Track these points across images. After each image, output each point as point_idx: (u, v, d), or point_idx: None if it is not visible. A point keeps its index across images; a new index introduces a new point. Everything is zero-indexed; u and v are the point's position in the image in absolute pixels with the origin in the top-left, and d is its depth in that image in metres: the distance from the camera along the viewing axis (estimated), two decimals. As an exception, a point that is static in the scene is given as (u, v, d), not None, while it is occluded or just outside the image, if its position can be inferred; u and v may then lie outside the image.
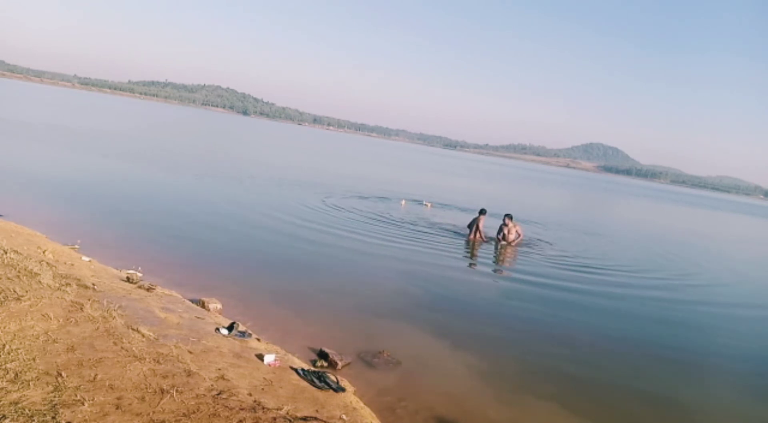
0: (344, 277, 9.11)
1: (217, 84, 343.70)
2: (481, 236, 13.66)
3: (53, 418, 3.26)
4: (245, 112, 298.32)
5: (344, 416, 4.12)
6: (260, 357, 4.85)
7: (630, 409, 5.70)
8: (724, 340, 8.71)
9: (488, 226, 13.97)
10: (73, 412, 3.36)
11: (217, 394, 3.93)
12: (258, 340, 5.49)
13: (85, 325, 4.71)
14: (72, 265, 6.69)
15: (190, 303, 6.34)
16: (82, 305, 5.11)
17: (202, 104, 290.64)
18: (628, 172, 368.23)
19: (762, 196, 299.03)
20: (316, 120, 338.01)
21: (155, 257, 8.44)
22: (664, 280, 12.67)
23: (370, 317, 7.33)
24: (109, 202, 12.54)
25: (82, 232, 8.82)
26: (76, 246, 8.04)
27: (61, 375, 3.76)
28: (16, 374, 3.65)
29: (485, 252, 12.94)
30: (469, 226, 13.95)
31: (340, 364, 5.45)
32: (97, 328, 4.68)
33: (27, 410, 3.27)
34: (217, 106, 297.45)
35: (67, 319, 4.73)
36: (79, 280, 5.90)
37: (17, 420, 3.17)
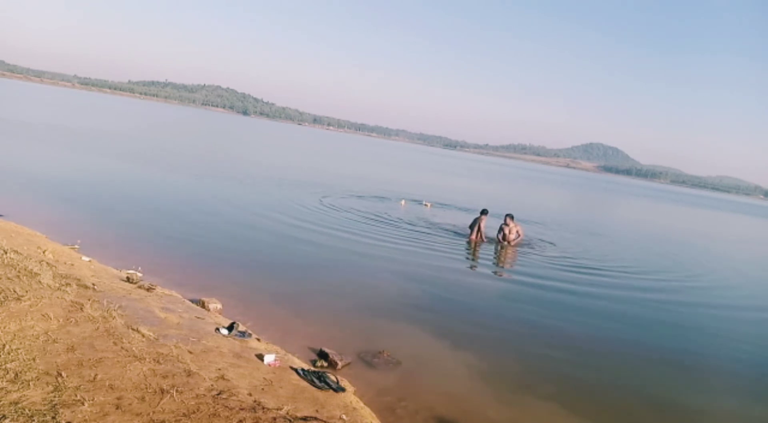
0: (344, 278, 9.11)
1: (217, 84, 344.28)
2: (481, 237, 13.65)
3: (53, 418, 3.25)
4: (245, 112, 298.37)
5: (344, 416, 4.12)
6: (260, 357, 4.85)
7: (630, 409, 5.70)
8: (724, 341, 8.71)
9: (488, 226, 13.97)
10: (73, 412, 3.36)
11: (217, 394, 3.93)
12: (258, 340, 5.49)
13: (85, 325, 4.71)
14: (72, 265, 6.69)
15: (190, 303, 6.34)
16: (82, 305, 5.11)
17: (202, 104, 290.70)
18: (628, 172, 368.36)
19: (762, 196, 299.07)
20: (316, 120, 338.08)
21: (155, 257, 8.44)
22: (664, 281, 12.65)
23: (370, 317, 7.33)
24: (109, 202, 12.54)
25: (82, 232, 8.82)
26: (76, 246, 8.04)
27: (61, 375, 3.76)
28: (16, 374, 3.65)
29: (485, 252, 12.94)
30: (471, 226, 13.94)
31: (340, 364, 5.45)
32: (97, 328, 4.68)
33: (27, 410, 3.27)
34: (217, 106, 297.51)
35: (67, 319, 4.73)
36: (79, 280, 5.90)
37: (17, 420, 3.17)
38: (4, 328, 4.29)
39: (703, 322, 9.61)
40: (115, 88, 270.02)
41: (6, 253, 6.15)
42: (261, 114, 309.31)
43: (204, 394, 3.89)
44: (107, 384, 3.77)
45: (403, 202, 19.16)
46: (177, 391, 3.85)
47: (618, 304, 9.81)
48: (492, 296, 9.58)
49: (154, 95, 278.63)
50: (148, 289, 6.33)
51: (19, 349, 4.01)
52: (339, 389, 4.56)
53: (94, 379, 3.81)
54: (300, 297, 7.71)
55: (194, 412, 3.62)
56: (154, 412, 3.53)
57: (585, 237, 18.03)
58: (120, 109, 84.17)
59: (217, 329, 5.36)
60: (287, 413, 3.88)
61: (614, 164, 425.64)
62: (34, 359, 3.91)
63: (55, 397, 3.48)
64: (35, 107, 51.23)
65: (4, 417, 3.18)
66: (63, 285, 5.55)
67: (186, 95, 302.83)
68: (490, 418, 5.05)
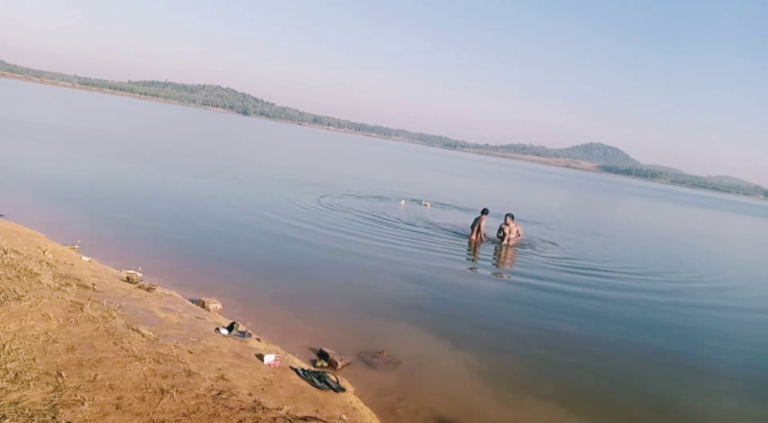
0: (344, 278, 9.11)
1: (217, 84, 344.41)
2: (482, 237, 13.65)
3: (53, 418, 3.25)
4: (245, 112, 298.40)
5: (344, 416, 4.12)
6: (260, 357, 4.85)
7: (630, 409, 5.70)
8: (724, 342, 8.70)
9: (489, 226, 13.96)
10: (73, 412, 3.35)
11: (217, 394, 3.93)
12: (258, 340, 5.49)
13: (85, 325, 4.71)
14: (72, 265, 6.69)
15: (190, 303, 6.34)
16: (82, 305, 5.11)
17: (202, 104, 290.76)
18: (628, 172, 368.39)
19: (762, 196, 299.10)
20: (316, 120, 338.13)
21: (155, 257, 8.44)
22: (664, 282, 12.65)
23: (370, 317, 7.33)
24: (109, 202, 12.54)
25: (82, 232, 8.82)
26: (76, 246, 8.04)
27: (61, 375, 3.76)
28: (16, 374, 3.65)
29: (486, 252, 12.94)
30: (472, 226, 13.94)
31: (340, 364, 5.45)
32: (97, 328, 4.68)
33: (27, 410, 3.27)
34: (217, 106, 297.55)
35: (67, 319, 4.73)
36: (79, 280, 5.90)
37: (17, 420, 3.17)
38: (4, 328, 4.29)
39: (703, 322, 9.60)
40: (115, 88, 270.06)
41: (6, 253, 6.15)
42: (261, 114, 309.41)
43: (204, 394, 3.89)
44: (107, 384, 3.77)
45: (403, 202, 19.16)
46: (177, 391, 3.85)
47: (618, 304, 9.81)
48: (492, 296, 9.58)
49: (154, 95, 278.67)
50: (148, 289, 6.33)
51: (19, 349, 4.01)
52: (339, 389, 4.56)
53: (94, 379, 3.81)
54: (300, 297, 7.71)
55: (194, 412, 3.62)
56: (154, 412, 3.53)
57: (585, 237, 18.02)
58: (120, 109, 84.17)
59: (217, 329, 5.36)
60: (287, 413, 3.88)
61: (614, 164, 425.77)
62: (34, 359, 3.91)
63: (55, 397, 3.48)
64: (35, 107, 51.22)
65: (4, 417, 3.18)
66: (63, 285, 5.55)
67: (186, 95, 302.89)
68: (490, 418, 5.05)
